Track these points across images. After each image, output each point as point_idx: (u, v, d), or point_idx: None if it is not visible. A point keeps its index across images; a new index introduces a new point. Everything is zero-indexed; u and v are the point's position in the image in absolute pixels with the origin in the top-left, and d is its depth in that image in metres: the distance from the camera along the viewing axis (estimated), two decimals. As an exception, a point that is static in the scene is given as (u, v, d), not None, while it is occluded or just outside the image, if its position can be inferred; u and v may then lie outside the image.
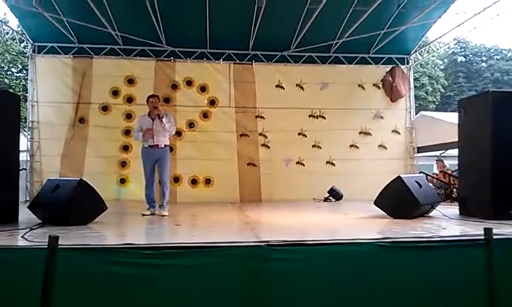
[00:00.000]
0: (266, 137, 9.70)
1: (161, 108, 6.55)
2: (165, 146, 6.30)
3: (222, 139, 9.52)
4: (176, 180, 9.32)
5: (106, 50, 9.40)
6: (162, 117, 6.16)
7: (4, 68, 21.22)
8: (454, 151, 7.78)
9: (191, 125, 9.50)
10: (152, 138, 6.17)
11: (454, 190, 8.53)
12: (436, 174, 10.09)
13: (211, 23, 8.80)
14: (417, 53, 10.48)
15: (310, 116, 9.87)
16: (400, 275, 3.34)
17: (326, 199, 8.95)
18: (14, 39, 9.44)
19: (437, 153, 11.65)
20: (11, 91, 8.82)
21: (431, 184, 7.85)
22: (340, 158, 9.80)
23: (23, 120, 11.04)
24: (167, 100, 9.45)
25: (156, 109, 6.23)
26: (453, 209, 5.80)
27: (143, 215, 6.01)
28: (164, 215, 5.92)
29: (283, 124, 9.63)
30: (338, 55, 10.01)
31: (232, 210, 7.13)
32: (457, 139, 5.77)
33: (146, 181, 6.28)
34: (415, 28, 9.30)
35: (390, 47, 9.85)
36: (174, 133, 6.58)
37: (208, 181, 9.43)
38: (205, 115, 9.59)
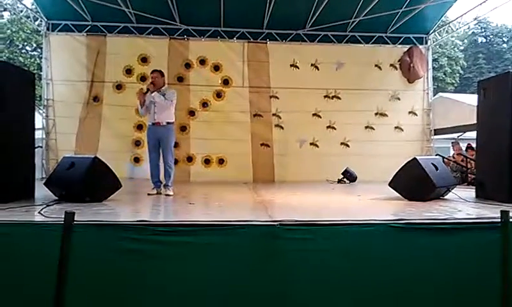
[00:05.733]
0: (280, 118, 9.65)
1: (164, 84, 6.33)
2: (167, 123, 6.07)
3: (235, 119, 9.49)
4: (190, 159, 9.37)
5: (120, 28, 9.38)
6: (150, 91, 5.98)
7: (18, 46, 21.38)
8: (472, 134, 7.65)
9: (204, 104, 9.49)
10: (153, 115, 6.04)
11: (469, 175, 8.40)
12: (453, 157, 9.95)
13: (225, 0, 8.68)
14: (436, 33, 10.23)
15: (325, 96, 9.77)
16: (414, 257, 3.31)
17: (339, 181, 8.89)
18: (28, 17, 9.46)
19: (455, 135, 11.50)
20: (26, 69, 8.92)
21: (447, 167, 7.73)
22: (355, 139, 9.72)
23: (38, 98, 11.16)
24: (180, 79, 9.44)
25: (152, 84, 6.01)
26: (469, 192, 5.71)
27: (149, 194, 5.92)
28: (168, 195, 5.83)
29: (297, 104, 9.55)
30: (355, 34, 9.83)
31: (245, 190, 7.14)
32: (475, 121, 5.65)
33: (150, 160, 6.20)
34: (435, 7, 9.06)
35: (408, 26, 9.64)
36: (167, 106, 6.06)
37: (221, 161, 9.45)
38: (219, 95, 9.55)
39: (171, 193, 5.93)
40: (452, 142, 10.67)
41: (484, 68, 28.44)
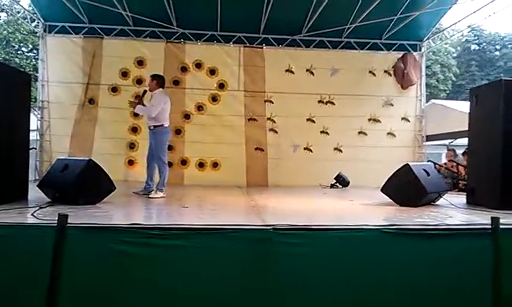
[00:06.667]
0: (274, 122, 9.68)
1: (156, 87, 6.45)
2: (154, 127, 6.25)
3: (230, 123, 9.51)
4: (184, 162, 9.38)
5: (116, 30, 9.37)
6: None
7: (14, 47, 21.31)
8: (464, 140, 7.71)
9: (199, 108, 9.51)
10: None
11: (460, 181, 8.45)
12: (445, 164, 10.02)
13: (222, 5, 8.71)
14: (430, 40, 10.32)
15: (319, 101, 9.80)
16: (405, 263, 3.35)
17: (332, 186, 8.94)
18: (25, 18, 9.45)
19: (446, 142, 11.57)
20: (22, 70, 8.91)
21: (438, 173, 7.79)
22: (347, 145, 9.76)
23: (33, 99, 11.14)
24: (176, 83, 9.44)
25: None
26: (460, 198, 5.77)
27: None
28: (150, 197, 5.83)
29: (291, 109, 9.59)
30: (350, 40, 9.89)
31: (239, 193, 7.16)
32: (467, 128, 5.72)
33: None
34: (429, 14, 9.14)
35: (402, 33, 9.71)
36: (151, 115, 6.22)
37: (215, 165, 9.47)
38: (214, 98, 9.57)
39: (154, 196, 5.88)
40: (448, 149, 10.73)
41: (477, 75, 28.66)
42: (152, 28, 9.38)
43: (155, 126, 6.24)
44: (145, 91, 6.51)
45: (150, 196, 5.91)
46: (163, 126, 6.28)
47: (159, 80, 6.44)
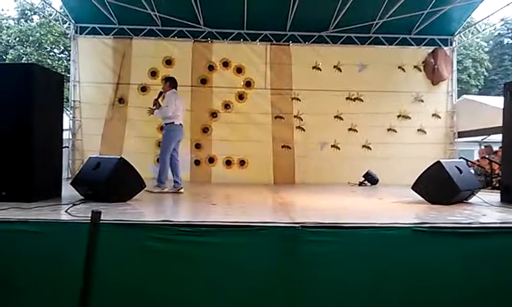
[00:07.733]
0: (301, 120, 9.65)
1: (169, 89, 6.70)
2: (165, 124, 6.58)
3: (257, 121, 9.54)
4: (211, 160, 9.47)
5: (145, 31, 9.55)
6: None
7: (47, 49, 21.91)
8: (497, 137, 7.48)
9: (226, 106, 9.57)
10: None
11: (494, 179, 8.20)
12: (478, 161, 9.75)
13: (249, 3, 8.74)
14: (461, 34, 10.06)
15: (347, 98, 9.71)
16: (437, 262, 3.27)
17: (361, 184, 8.83)
18: (57, 20, 9.72)
19: (479, 138, 11.26)
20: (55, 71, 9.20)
21: (471, 170, 7.59)
22: (376, 142, 9.64)
23: (65, 100, 11.44)
24: (203, 81, 9.55)
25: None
26: (494, 196, 5.60)
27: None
28: (150, 191, 5.95)
29: (319, 106, 9.54)
30: (378, 36, 9.76)
31: (266, 191, 7.16)
32: (501, 124, 5.54)
33: None
34: (460, 8, 8.92)
35: (432, 28, 9.50)
36: (167, 114, 6.50)
37: (242, 163, 9.51)
38: (241, 96, 9.62)
39: (154, 190, 6.08)
40: (485, 146, 10.44)
41: (510, 70, 27.73)
42: (179, 28, 9.50)
43: (166, 124, 6.55)
44: (161, 93, 6.72)
45: (150, 189, 5.95)
46: (174, 123, 6.53)
47: (171, 83, 6.77)
